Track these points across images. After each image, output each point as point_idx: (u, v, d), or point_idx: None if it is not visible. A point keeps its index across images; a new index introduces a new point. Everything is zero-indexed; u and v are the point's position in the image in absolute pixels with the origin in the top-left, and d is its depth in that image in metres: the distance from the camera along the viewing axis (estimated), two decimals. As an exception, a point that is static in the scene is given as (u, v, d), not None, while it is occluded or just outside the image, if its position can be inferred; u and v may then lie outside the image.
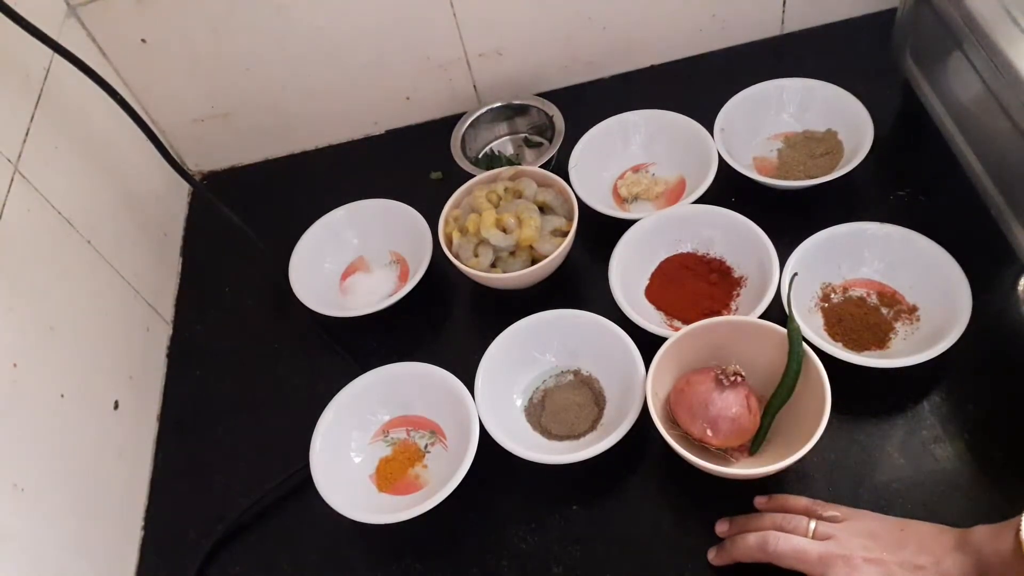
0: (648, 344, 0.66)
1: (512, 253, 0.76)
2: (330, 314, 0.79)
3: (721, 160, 0.79)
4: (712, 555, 0.60)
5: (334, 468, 0.68)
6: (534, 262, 0.75)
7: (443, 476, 0.66)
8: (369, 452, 0.71)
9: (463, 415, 0.67)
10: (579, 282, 0.79)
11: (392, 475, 0.70)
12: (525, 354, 0.72)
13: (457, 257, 0.76)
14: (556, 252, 0.74)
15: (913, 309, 0.69)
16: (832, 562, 0.53)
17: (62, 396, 0.67)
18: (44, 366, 0.66)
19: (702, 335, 0.65)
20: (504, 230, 0.75)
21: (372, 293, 0.82)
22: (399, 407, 0.73)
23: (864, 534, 0.54)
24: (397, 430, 0.73)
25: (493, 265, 0.76)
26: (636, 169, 0.86)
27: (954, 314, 0.65)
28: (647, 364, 0.65)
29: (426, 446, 0.71)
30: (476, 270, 0.75)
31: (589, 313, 0.71)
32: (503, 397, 0.71)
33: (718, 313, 0.71)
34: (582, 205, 0.79)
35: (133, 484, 0.75)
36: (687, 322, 0.69)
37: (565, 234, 0.75)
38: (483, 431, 0.66)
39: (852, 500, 0.60)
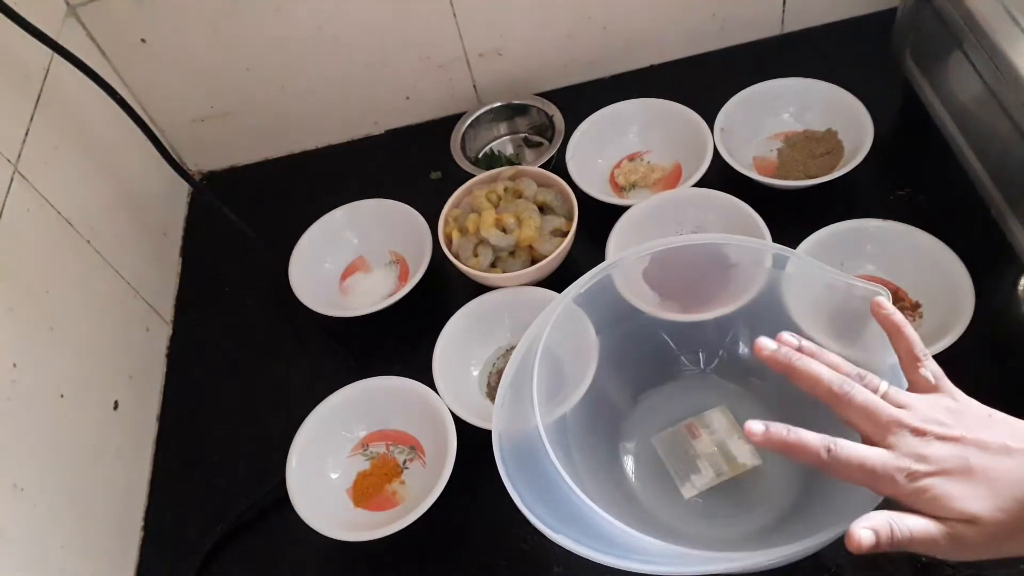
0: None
1: (512, 253, 0.76)
2: (330, 314, 0.79)
3: (721, 159, 0.79)
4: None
5: (311, 483, 0.68)
6: (534, 262, 0.75)
7: (420, 493, 0.66)
8: (347, 465, 0.71)
9: (441, 431, 0.67)
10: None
11: (368, 490, 0.70)
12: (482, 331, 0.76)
13: (457, 257, 0.76)
14: (556, 252, 0.74)
15: (916, 306, 0.70)
16: (900, 431, 0.45)
17: (62, 396, 0.67)
18: (44, 366, 0.66)
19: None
20: (504, 230, 0.75)
21: (372, 293, 0.82)
22: (378, 422, 0.73)
23: (943, 409, 0.46)
24: (376, 444, 0.72)
25: (493, 265, 0.76)
26: (632, 157, 0.87)
27: (957, 310, 0.65)
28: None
29: (404, 462, 0.71)
30: (475, 270, 0.75)
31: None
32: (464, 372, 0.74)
33: (714, 297, 0.70)
34: (581, 195, 0.79)
35: (133, 484, 0.75)
36: (683, 305, 0.69)
37: (565, 234, 0.75)
38: (471, 432, 0.66)
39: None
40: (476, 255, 0.76)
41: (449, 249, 0.77)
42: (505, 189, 0.79)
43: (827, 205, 0.77)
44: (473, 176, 0.82)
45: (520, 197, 0.78)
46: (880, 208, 0.74)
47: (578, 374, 0.64)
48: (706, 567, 0.48)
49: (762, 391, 0.68)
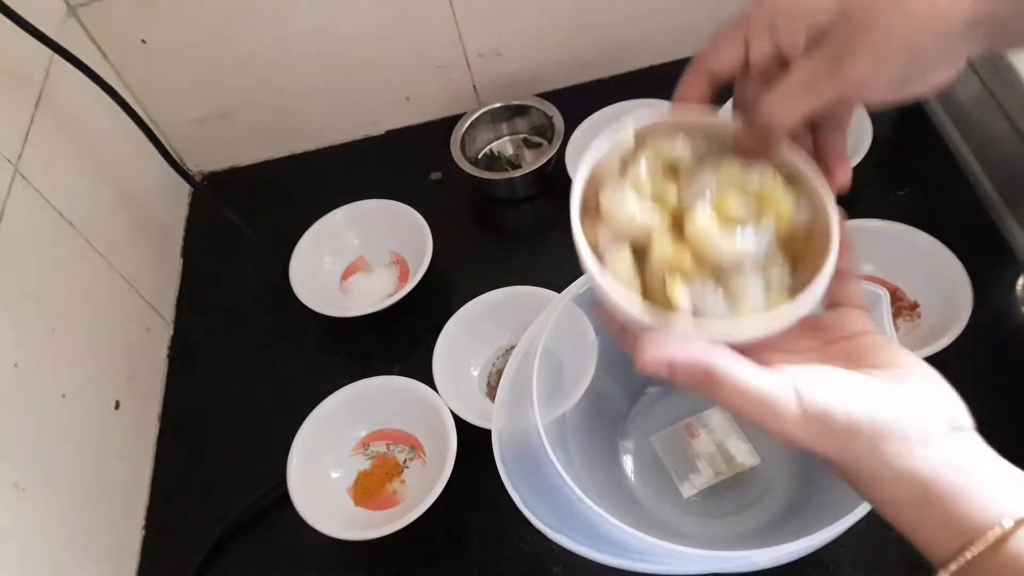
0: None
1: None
2: (330, 314, 0.79)
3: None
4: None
5: (311, 482, 0.68)
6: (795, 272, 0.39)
7: (420, 492, 0.66)
8: (348, 465, 0.72)
9: (441, 431, 0.67)
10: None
11: (369, 490, 0.70)
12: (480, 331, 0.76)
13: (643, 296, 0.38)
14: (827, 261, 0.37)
15: (914, 306, 0.70)
16: None
17: (63, 396, 0.67)
18: (45, 366, 0.66)
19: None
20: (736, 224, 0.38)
21: (372, 293, 0.83)
22: (378, 421, 0.73)
23: None
24: (377, 443, 0.73)
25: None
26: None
27: (955, 310, 0.65)
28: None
29: (405, 461, 0.71)
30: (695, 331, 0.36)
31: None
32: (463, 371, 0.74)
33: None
34: None
35: (134, 484, 0.75)
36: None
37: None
38: (471, 431, 0.66)
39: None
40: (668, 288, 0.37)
41: (601, 265, 0.38)
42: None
43: (826, 205, 0.77)
44: (475, 178, 0.81)
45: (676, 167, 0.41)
46: (878, 208, 0.75)
47: (577, 374, 0.64)
48: (705, 566, 0.48)
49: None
